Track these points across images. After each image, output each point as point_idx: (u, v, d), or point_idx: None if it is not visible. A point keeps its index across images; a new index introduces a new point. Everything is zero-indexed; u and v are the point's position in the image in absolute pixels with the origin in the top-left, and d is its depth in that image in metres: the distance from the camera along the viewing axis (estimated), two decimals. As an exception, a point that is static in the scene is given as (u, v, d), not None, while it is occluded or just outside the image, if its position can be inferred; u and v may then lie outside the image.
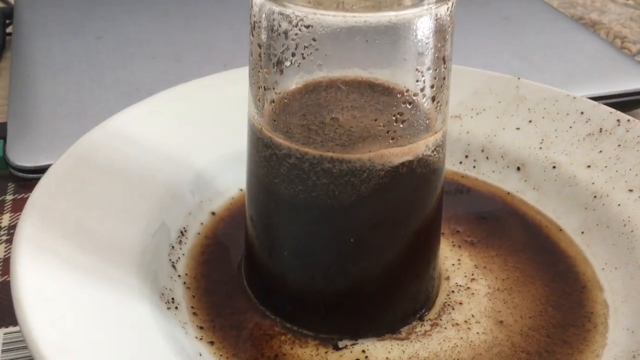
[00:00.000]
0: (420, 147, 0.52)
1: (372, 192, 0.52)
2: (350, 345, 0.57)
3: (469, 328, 0.58)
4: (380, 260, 0.56)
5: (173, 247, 0.64)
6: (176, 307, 0.58)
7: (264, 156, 0.54)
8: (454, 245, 0.67)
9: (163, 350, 0.51)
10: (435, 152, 0.54)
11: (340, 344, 0.57)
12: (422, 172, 0.53)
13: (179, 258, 0.63)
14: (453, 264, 0.65)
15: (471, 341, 0.57)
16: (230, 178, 0.71)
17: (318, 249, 0.56)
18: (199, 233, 0.67)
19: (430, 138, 0.53)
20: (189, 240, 0.66)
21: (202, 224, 0.68)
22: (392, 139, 0.51)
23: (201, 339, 0.56)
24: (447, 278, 0.63)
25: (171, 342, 0.53)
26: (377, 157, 0.51)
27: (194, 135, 0.72)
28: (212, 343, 0.56)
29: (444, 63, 0.52)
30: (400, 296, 0.59)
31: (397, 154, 0.51)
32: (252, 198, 0.59)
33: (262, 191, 0.57)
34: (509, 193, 0.74)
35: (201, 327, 0.57)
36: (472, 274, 0.64)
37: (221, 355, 0.55)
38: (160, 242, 0.63)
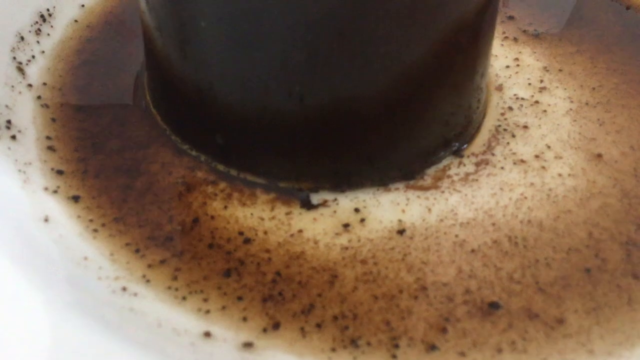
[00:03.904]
0: None
1: None
2: (333, 201, 0.31)
3: (543, 167, 0.33)
4: (386, 51, 0.30)
5: (23, 38, 0.36)
6: (13, 137, 0.32)
7: None
8: (506, 37, 0.40)
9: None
10: None
11: (315, 198, 0.31)
12: None
13: (32, 57, 0.36)
14: (508, 67, 0.38)
15: (550, 189, 0.32)
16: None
17: (272, 34, 0.29)
18: (76, 21, 0.39)
19: None
20: (55, 31, 0.38)
21: (83, 6, 0.40)
22: None
23: (56, 191, 0.30)
24: (500, 88, 0.37)
25: (-12, 198, 0.27)
26: None
27: None
28: (76, 199, 0.30)
29: None
30: (421, 116, 0.32)
31: None
32: None
33: None
34: (590, -41, 0.46)
35: (60, 172, 0.31)
36: (541, 81, 0.37)
37: (90, 221, 0.30)
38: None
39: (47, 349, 0.23)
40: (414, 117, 0.32)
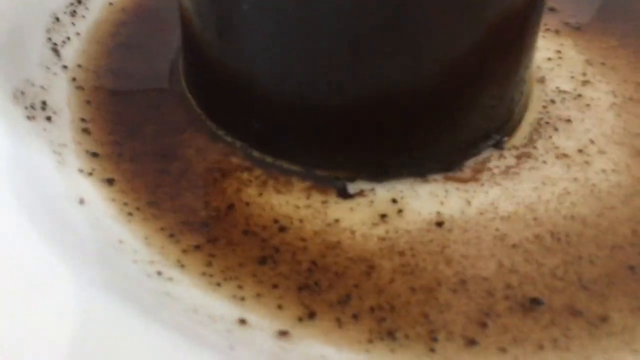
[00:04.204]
0: None
1: None
2: (370, 191, 0.31)
3: (586, 162, 0.32)
4: (431, 42, 0.29)
5: (58, 19, 0.36)
6: (49, 118, 0.32)
7: None
8: (547, 29, 0.39)
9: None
10: None
11: (352, 187, 0.31)
12: None
13: (67, 39, 0.36)
14: (549, 59, 0.37)
15: (593, 185, 0.31)
16: None
17: (315, 20, 0.28)
18: (111, 3, 0.39)
19: None
20: (90, 13, 0.38)
21: (118, -11, 0.40)
22: None
23: (91, 173, 0.30)
24: (542, 80, 0.36)
25: (23, 178, 0.27)
26: None
27: None
28: (110, 182, 0.30)
29: None
30: (463, 107, 0.32)
31: None
32: None
33: None
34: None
35: (95, 154, 0.31)
36: (584, 74, 0.36)
37: (125, 204, 0.29)
38: (34, 9, 0.35)
39: (83, 329, 0.23)
40: (455, 109, 0.32)
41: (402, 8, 0.28)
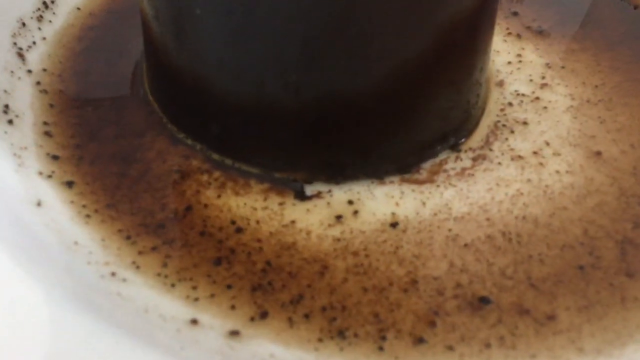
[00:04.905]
0: None
1: None
2: (327, 193, 0.31)
3: (541, 164, 0.33)
4: (382, 44, 0.29)
5: (25, 24, 0.36)
6: (10, 121, 0.32)
7: None
8: (509, 33, 0.40)
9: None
10: None
11: (309, 189, 0.31)
12: None
13: (33, 43, 0.36)
14: (510, 62, 0.38)
15: (546, 186, 0.32)
16: None
17: (267, 24, 0.29)
18: (78, 8, 0.40)
19: None
20: (58, 18, 0.38)
21: (86, -6, 0.40)
22: None
23: (50, 176, 0.30)
24: (501, 84, 0.37)
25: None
26: None
27: None
28: (69, 184, 0.30)
29: None
30: (418, 110, 0.32)
31: None
32: None
33: None
34: (597, -44, 0.46)
35: (55, 157, 0.31)
36: (543, 78, 0.37)
37: (83, 206, 0.30)
38: (0, 15, 0.36)
39: (33, 330, 0.23)
40: (410, 111, 0.32)
41: (351, 11, 0.28)
